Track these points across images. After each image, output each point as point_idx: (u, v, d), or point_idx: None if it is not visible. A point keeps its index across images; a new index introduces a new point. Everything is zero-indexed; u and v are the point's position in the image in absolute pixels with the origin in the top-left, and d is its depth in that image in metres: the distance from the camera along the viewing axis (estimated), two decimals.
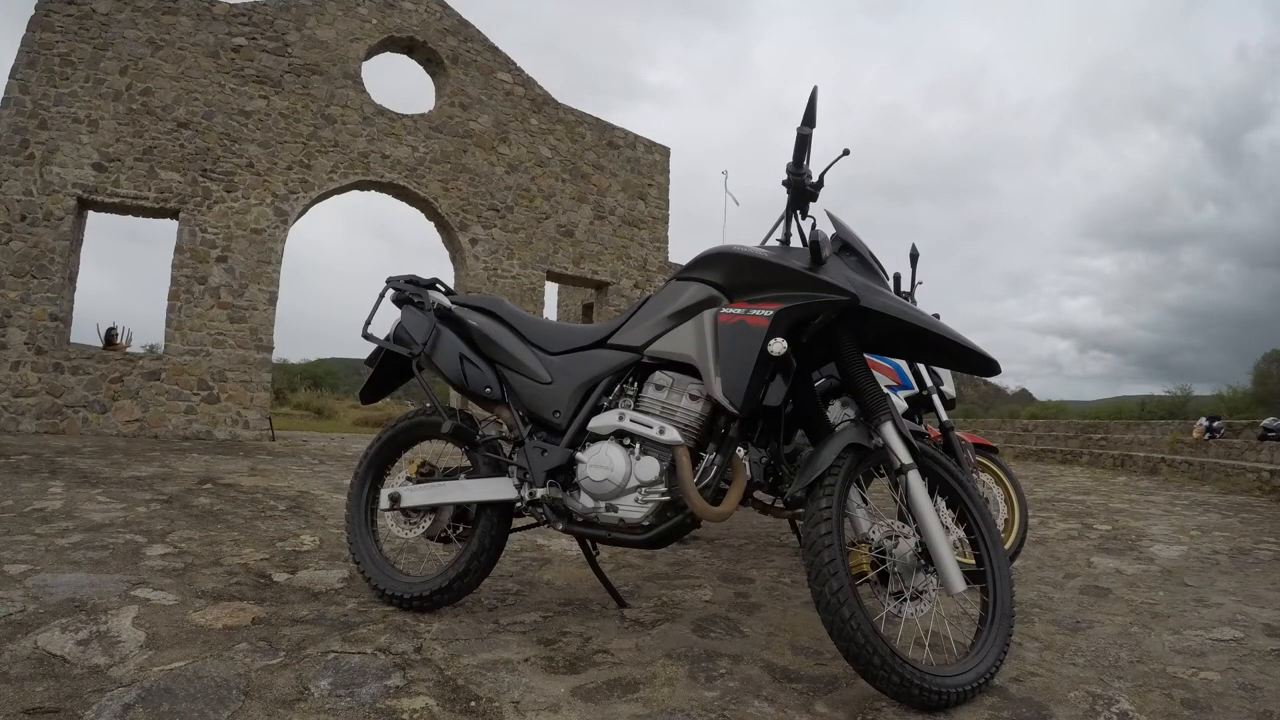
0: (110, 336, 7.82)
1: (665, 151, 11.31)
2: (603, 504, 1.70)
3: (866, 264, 1.65)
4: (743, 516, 3.59)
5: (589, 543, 1.92)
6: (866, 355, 1.70)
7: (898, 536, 1.54)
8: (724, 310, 1.63)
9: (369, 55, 8.90)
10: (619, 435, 1.72)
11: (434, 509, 1.96)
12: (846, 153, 1.77)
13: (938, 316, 1.89)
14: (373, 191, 9.12)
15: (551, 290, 12.92)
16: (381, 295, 2.10)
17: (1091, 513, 4.76)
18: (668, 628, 1.89)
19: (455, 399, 7.25)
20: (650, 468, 1.64)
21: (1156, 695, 1.57)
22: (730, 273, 1.68)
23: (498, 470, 1.91)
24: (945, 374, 2.78)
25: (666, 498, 1.65)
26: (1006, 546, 2.61)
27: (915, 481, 1.53)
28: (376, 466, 2.13)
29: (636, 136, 11.01)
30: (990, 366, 1.60)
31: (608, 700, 1.40)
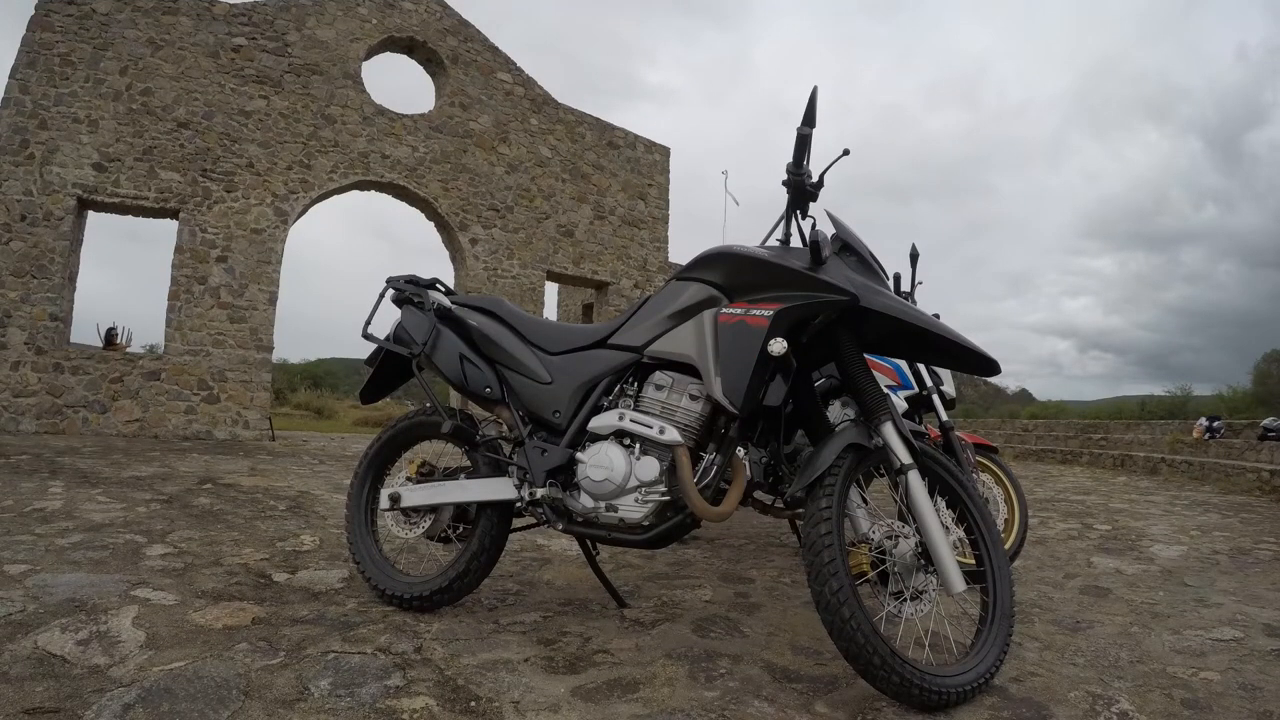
0: (110, 336, 7.82)
1: (665, 151, 11.31)
2: (603, 504, 1.70)
3: (866, 264, 1.65)
4: (743, 516, 3.59)
5: (589, 543, 1.92)
6: (866, 355, 1.70)
7: (898, 536, 1.54)
8: (724, 310, 1.63)
9: (369, 55, 8.90)
10: (619, 435, 1.71)
11: (434, 509, 1.96)
12: (846, 153, 1.77)
13: (938, 316, 1.89)
14: (373, 191, 9.13)
15: (551, 290, 12.92)
16: (381, 295, 2.10)
17: (1091, 513, 4.76)
18: (668, 628, 1.89)
19: (455, 399, 7.25)
20: (650, 468, 1.64)
21: (1156, 695, 1.57)
22: (730, 273, 1.68)
23: (498, 470, 1.91)
24: (945, 374, 2.78)
25: (666, 498, 1.65)
26: (1006, 546, 2.61)
27: (915, 481, 1.53)
28: (376, 466, 2.13)
29: (636, 136, 11.01)
30: (990, 366, 1.60)
31: (608, 700, 1.40)
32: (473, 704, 1.35)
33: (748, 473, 1.64)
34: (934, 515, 1.51)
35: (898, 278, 2.71)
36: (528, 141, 9.88)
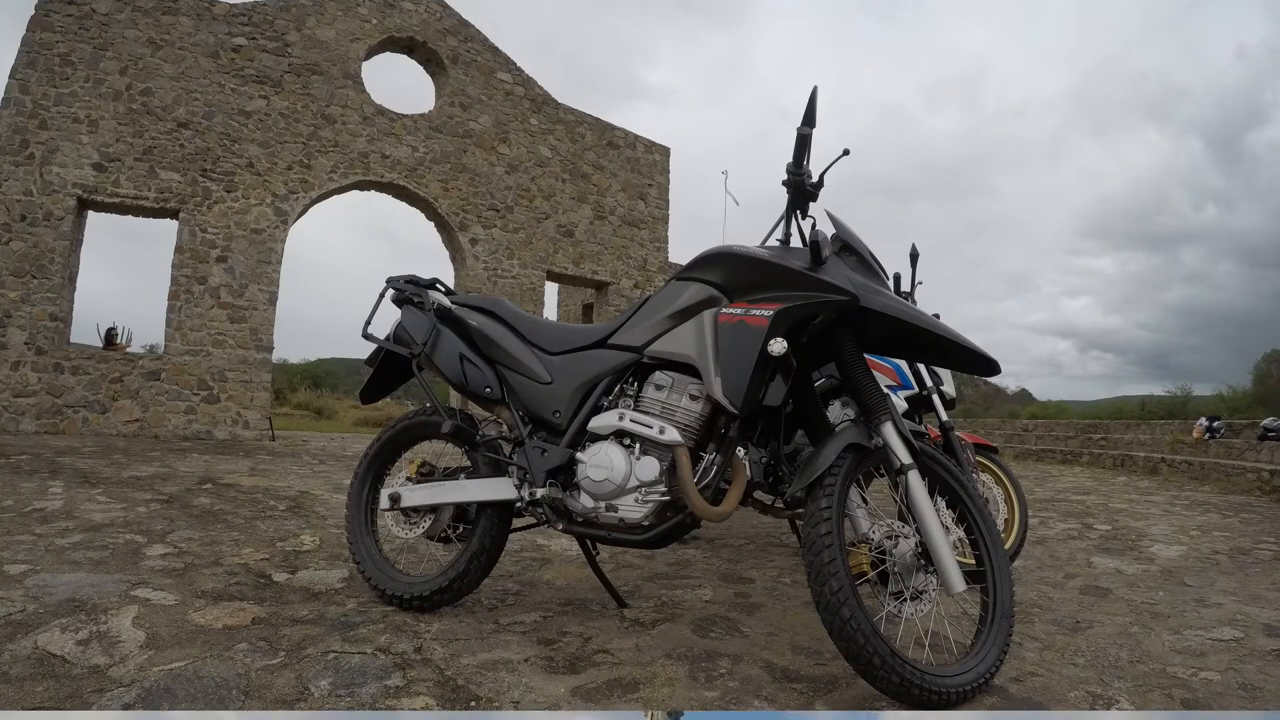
0: (110, 336, 7.82)
1: (665, 151, 11.31)
2: (603, 504, 1.70)
3: (866, 264, 1.65)
4: (743, 516, 3.59)
5: (589, 543, 1.92)
6: (866, 355, 1.70)
7: (898, 536, 1.54)
8: (724, 310, 1.63)
9: (369, 55, 8.90)
10: (619, 435, 1.71)
11: (434, 509, 1.96)
12: (846, 153, 1.77)
13: (938, 316, 1.89)
14: (373, 191, 9.13)
15: (551, 290, 12.92)
16: (381, 295, 2.10)
17: (1091, 513, 4.76)
18: (668, 628, 1.89)
19: (455, 399, 7.25)
20: (650, 468, 1.64)
21: (1156, 695, 1.57)
22: (730, 273, 1.68)
23: (498, 470, 1.91)
24: (945, 374, 2.78)
25: (666, 498, 1.65)
26: (1006, 546, 2.61)
27: (915, 481, 1.53)
28: (376, 466, 2.13)
29: (636, 136, 11.01)
30: (990, 366, 1.60)
31: (608, 700, 1.40)
32: (473, 704, 1.35)
33: (748, 473, 1.64)
34: (934, 515, 1.51)
35: (898, 278, 2.71)
36: (528, 141, 9.88)
